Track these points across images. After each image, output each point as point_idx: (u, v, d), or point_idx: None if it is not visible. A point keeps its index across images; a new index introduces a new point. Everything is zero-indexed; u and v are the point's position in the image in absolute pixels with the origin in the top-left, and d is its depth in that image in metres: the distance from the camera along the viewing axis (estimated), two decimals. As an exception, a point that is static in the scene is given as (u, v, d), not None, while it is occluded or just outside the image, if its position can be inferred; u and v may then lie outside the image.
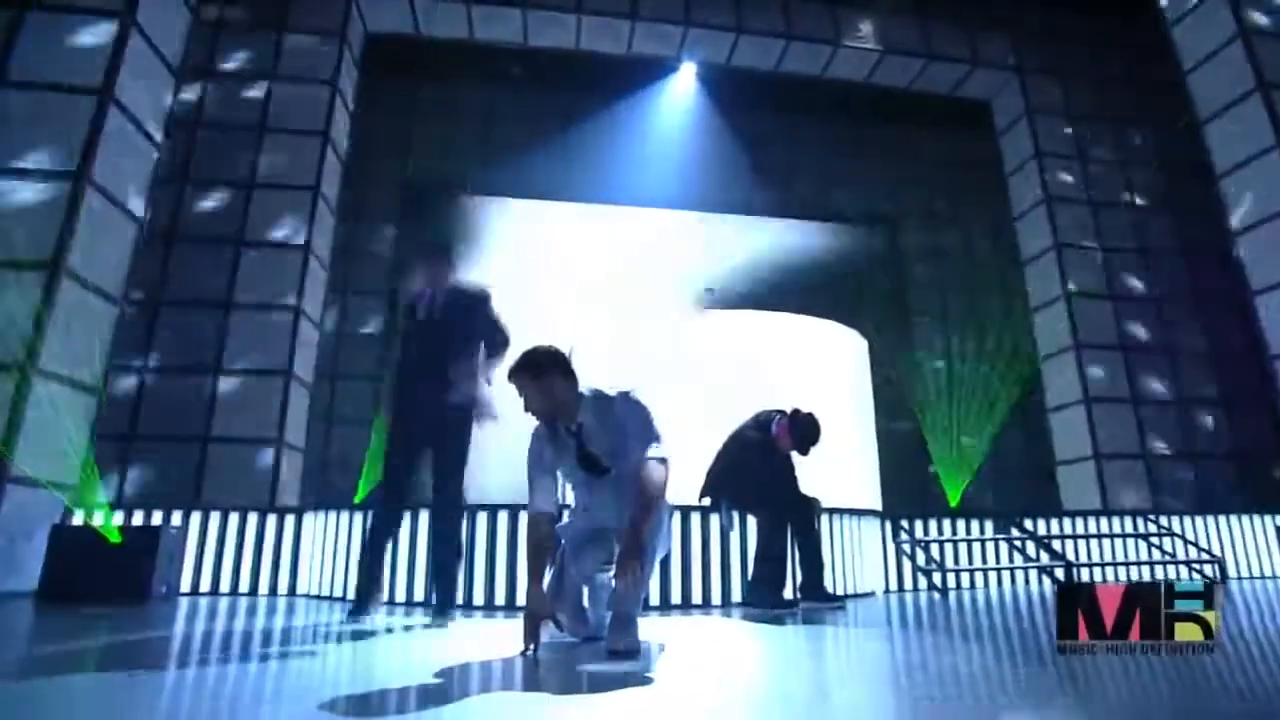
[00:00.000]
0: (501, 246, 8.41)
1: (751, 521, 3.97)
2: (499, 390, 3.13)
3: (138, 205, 5.41)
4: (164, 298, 6.14)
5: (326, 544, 4.49)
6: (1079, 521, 5.86)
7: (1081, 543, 5.66)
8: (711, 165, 8.71)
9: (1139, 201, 8.39)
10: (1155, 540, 5.66)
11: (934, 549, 5.18)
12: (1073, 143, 8.45)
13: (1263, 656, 2.13)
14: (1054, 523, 5.79)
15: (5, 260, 4.65)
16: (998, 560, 5.43)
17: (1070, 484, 7.47)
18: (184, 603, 4.22)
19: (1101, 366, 7.55)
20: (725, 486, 3.90)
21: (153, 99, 5.56)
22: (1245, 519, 6.09)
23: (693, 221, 8.92)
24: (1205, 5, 7.03)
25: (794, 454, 3.90)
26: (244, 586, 4.77)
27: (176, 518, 4.85)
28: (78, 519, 4.60)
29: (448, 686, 1.69)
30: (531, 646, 2.14)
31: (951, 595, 4.63)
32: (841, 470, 5.32)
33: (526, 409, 2.35)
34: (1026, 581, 5.40)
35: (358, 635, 2.70)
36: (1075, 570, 5.12)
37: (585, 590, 2.51)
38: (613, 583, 2.24)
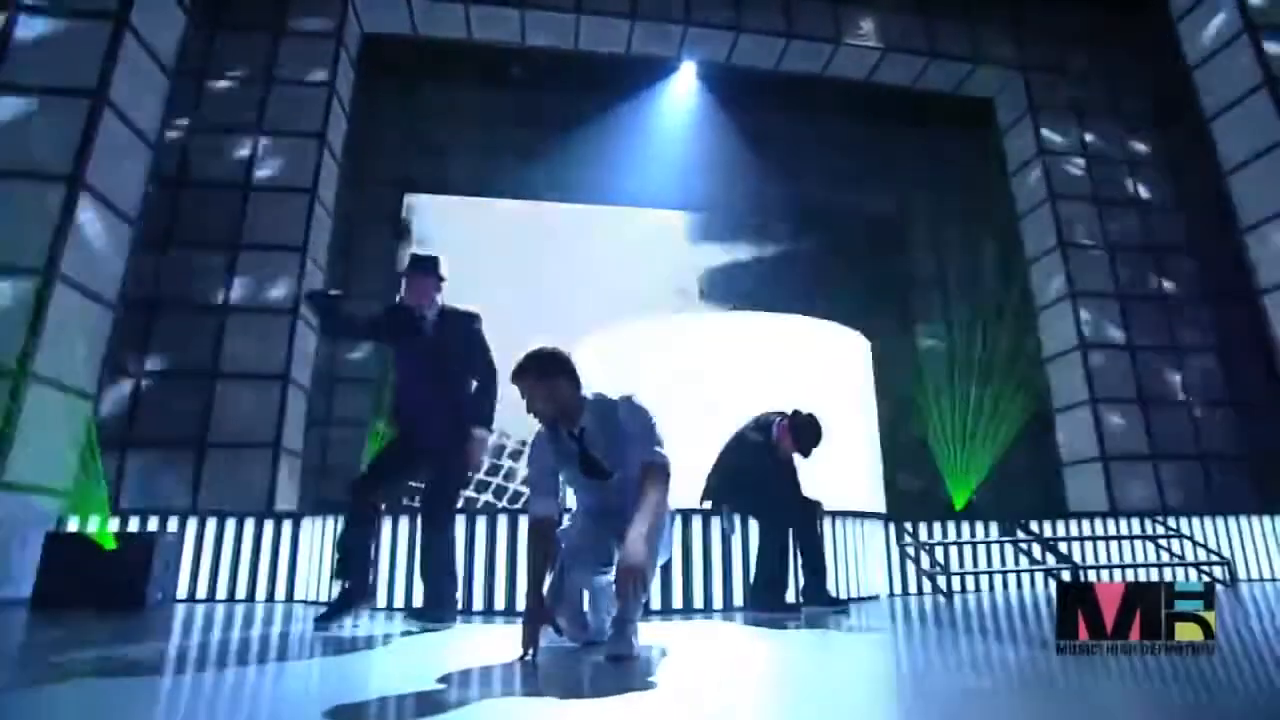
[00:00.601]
0: (501, 248, 8.38)
1: (753, 525, 3.93)
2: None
3: (132, 209, 5.38)
4: (160, 302, 6.10)
5: (324, 550, 4.45)
6: (1086, 523, 5.80)
7: (1089, 545, 5.60)
8: (713, 164, 8.66)
9: (1145, 199, 8.31)
10: (1164, 542, 5.59)
11: (938, 552, 5.12)
12: (1077, 140, 8.38)
13: (1262, 659, 2.07)
14: (1060, 524, 5.73)
15: (2, 265, 4.62)
16: (1003, 563, 5.37)
17: (1077, 485, 7.40)
18: (180, 610, 4.18)
19: (1108, 367, 7.47)
20: (726, 490, 3.87)
21: (147, 101, 5.54)
22: (1255, 520, 6.02)
23: (696, 221, 8.88)
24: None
25: (796, 456, 3.86)
26: (241, 593, 4.73)
27: (173, 524, 4.82)
28: (73, 525, 4.57)
29: (448, 693, 1.68)
30: (530, 651, 2.12)
31: (956, 598, 4.57)
32: (844, 472, 5.27)
33: (530, 410, 2.34)
34: (1033, 584, 5.34)
35: (354, 642, 2.66)
36: (1082, 572, 5.06)
37: (585, 594, 2.49)
38: (613, 587, 2.22)
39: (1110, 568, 5.45)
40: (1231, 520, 6.00)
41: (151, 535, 4.44)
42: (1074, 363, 7.58)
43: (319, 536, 4.56)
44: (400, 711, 1.51)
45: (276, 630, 3.12)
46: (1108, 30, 8.78)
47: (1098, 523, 5.83)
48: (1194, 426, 7.43)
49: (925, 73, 8.57)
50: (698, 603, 3.86)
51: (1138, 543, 5.65)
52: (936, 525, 5.42)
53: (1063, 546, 5.41)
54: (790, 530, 3.68)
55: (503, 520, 3.98)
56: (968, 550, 5.36)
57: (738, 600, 3.86)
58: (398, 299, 3.38)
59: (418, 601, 3.59)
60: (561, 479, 2.45)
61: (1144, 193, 8.34)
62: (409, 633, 2.94)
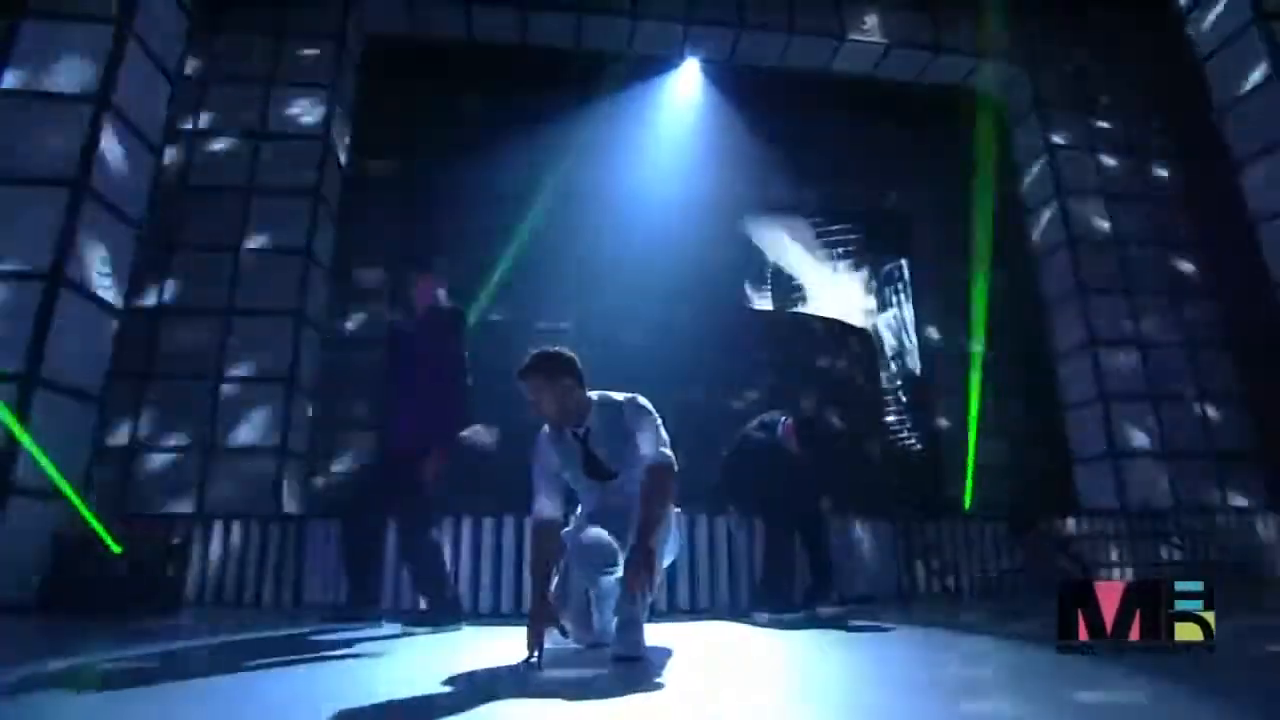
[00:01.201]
0: (505, 249, 8.36)
1: (759, 527, 3.90)
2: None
3: (137, 212, 5.39)
4: (164, 305, 6.12)
5: (330, 553, 4.45)
6: (1097, 521, 5.74)
7: (1101, 542, 5.54)
8: (718, 162, 8.62)
9: (1155, 193, 8.21)
10: (1177, 540, 5.53)
11: (947, 551, 5.08)
12: (1085, 134, 8.29)
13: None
14: (1071, 522, 5.67)
15: (5, 270, 4.63)
16: (1012, 562, 5.32)
17: (1087, 483, 7.32)
18: (187, 613, 4.19)
19: (1119, 363, 7.39)
20: (732, 491, 3.85)
21: (150, 105, 5.54)
22: (1271, 518, 5.94)
23: (700, 220, 8.84)
24: (1221, -11, 6.86)
25: (801, 455, 3.83)
26: (248, 596, 4.74)
27: (180, 527, 4.82)
28: (80, 529, 4.58)
29: (454, 695, 1.68)
30: (536, 653, 2.12)
31: (965, 598, 4.53)
32: (852, 471, 5.24)
33: (535, 411, 2.35)
34: (1068, 582, 5.27)
35: (358, 646, 2.66)
36: (1093, 571, 5.01)
37: (591, 596, 2.48)
38: (619, 588, 2.23)
39: (1122, 566, 5.40)
40: (1246, 516, 5.93)
41: (159, 538, 4.45)
42: (1084, 359, 7.51)
43: (325, 539, 4.56)
44: (406, 715, 1.50)
45: (282, 633, 3.12)
46: (1115, 22, 8.69)
47: (1109, 520, 5.78)
48: (1207, 423, 7.34)
49: (930, 68, 8.49)
50: (704, 604, 3.84)
51: (1150, 540, 5.59)
52: (945, 524, 5.37)
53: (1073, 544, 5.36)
54: (795, 533, 3.65)
55: (509, 522, 3.98)
56: (977, 549, 5.32)
57: (743, 601, 3.84)
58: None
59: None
60: (565, 480, 2.44)
61: (1153, 187, 8.25)
62: (409, 634, 2.94)
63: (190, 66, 6.24)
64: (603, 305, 7.23)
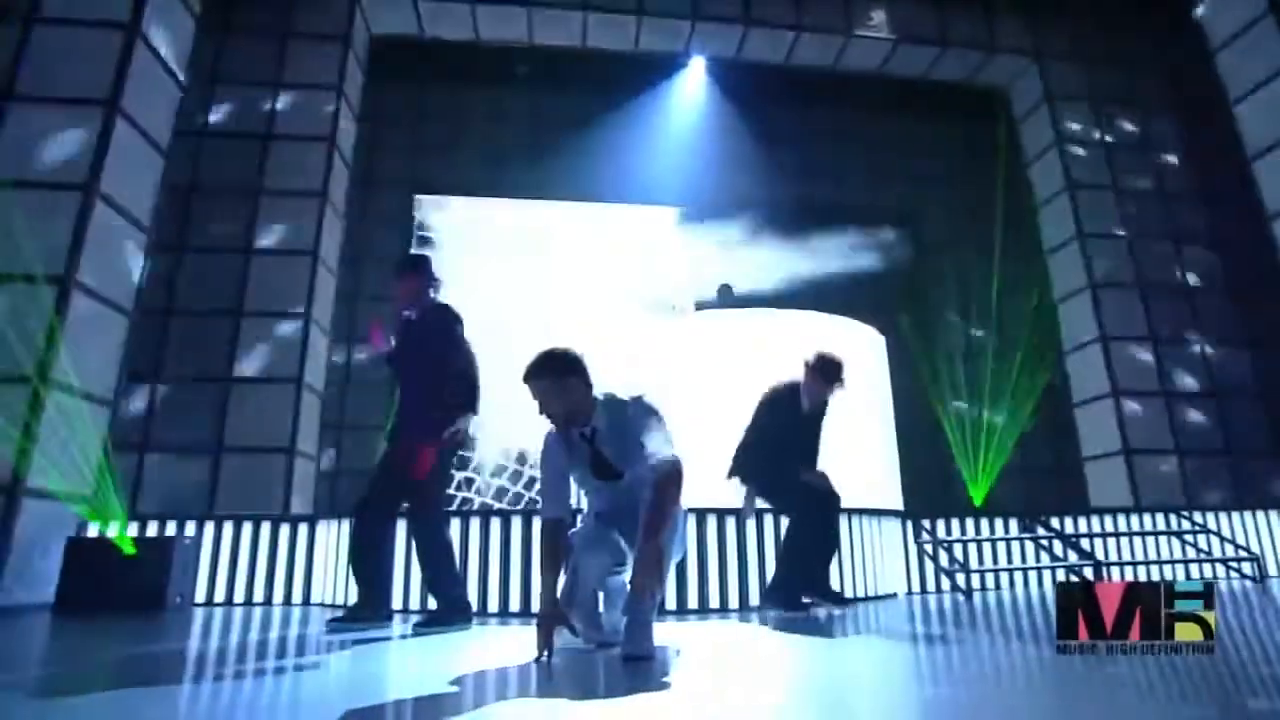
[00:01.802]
0: (510, 249, 8.38)
1: (765, 526, 3.88)
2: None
3: (146, 215, 5.43)
4: (174, 308, 6.16)
5: (340, 553, 4.46)
6: (1108, 519, 5.69)
7: (1111, 541, 5.49)
8: (725, 161, 8.60)
9: (1167, 187, 8.13)
10: (1189, 538, 5.47)
11: (957, 549, 5.04)
12: (1095, 128, 8.22)
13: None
14: (1082, 520, 5.62)
15: (18, 274, 4.67)
16: (1023, 560, 5.28)
17: (1099, 480, 7.26)
18: (199, 613, 4.22)
19: (1130, 358, 7.33)
20: (752, 465, 3.74)
21: (159, 108, 5.58)
22: (1285, 515, 5.87)
23: (707, 218, 8.82)
24: (1233, -19, 6.79)
25: (821, 413, 3.79)
26: (258, 596, 4.76)
27: (190, 528, 4.86)
28: (93, 530, 4.62)
29: (464, 694, 1.68)
30: (545, 653, 2.12)
31: (976, 596, 4.49)
32: (861, 469, 5.21)
33: (542, 411, 2.34)
34: (1054, 582, 5.24)
35: (362, 644, 2.67)
36: (1105, 569, 4.96)
37: (600, 595, 2.49)
38: (627, 586, 2.23)
39: (1134, 564, 5.35)
40: (1260, 515, 5.86)
41: (169, 539, 4.48)
42: (1095, 355, 7.45)
43: (334, 540, 4.57)
44: (416, 714, 1.51)
45: (293, 633, 3.14)
46: (1124, 14, 8.60)
47: (1120, 518, 5.72)
48: (1220, 419, 7.27)
49: (938, 63, 8.44)
50: (714, 602, 3.83)
51: (1162, 538, 5.53)
52: (955, 522, 5.33)
53: (1085, 542, 5.31)
54: (813, 527, 3.60)
55: (516, 521, 3.98)
56: (987, 547, 5.28)
57: (753, 599, 3.82)
58: (403, 313, 3.35)
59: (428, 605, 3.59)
60: (572, 481, 2.44)
61: (1164, 180, 8.17)
62: (420, 634, 2.95)
63: (198, 69, 6.27)
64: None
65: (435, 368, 3.23)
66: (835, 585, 3.86)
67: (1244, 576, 5.25)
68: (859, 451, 5.31)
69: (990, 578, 5.15)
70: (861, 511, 4.46)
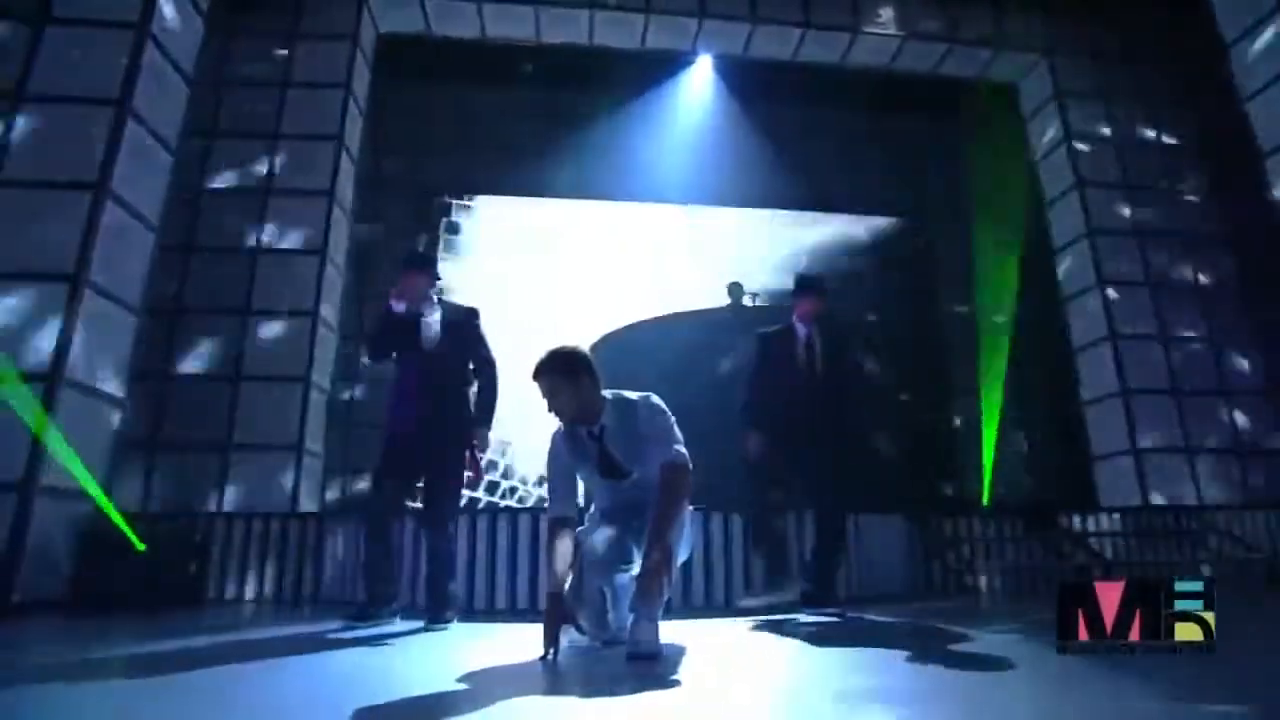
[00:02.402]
0: (517, 247, 8.39)
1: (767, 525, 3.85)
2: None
3: (155, 215, 5.46)
4: (182, 306, 6.20)
5: (347, 550, 4.49)
6: (1117, 518, 5.65)
7: (1121, 540, 5.46)
8: (732, 159, 8.59)
9: (1179, 185, 8.06)
10: (1200, 538, 5.44)
11: (964, 548, 5.03)
12: (1105, 124, 8.15)
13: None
14: (1090, 520, 5.59)
15: (30, 272, 4.72)
16: (1031, 559, 5.26)
17: (1108, 479, 7.22)
18: (208, 609, 4.25)
19: (1140, 357, 7.27)
20: (756, 410, 3.56)
21: (168, 108, 5.61)
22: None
23: (714, 217, 8.82)
24: (1248, -28, 6.69)
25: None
26: (267, 593, 4.80)
27: (199, 525, 4.90)
28: (105, 527, 4.66)
29: (471, 692, 1.69)
30: (551, 651, 2.13)
31: (983, 596, 4.48)
32: (868, 466, 5.20)
33: (551, 409, 2.35)
34: (1068, 581, 5.21)
35: (370, 642, 2.69)
36: (1113, 569, 4.94)
37: (607, 593, 2.49)
38: (634, 585, 2.24)
39: (1144, 564, 5.32)
40: (1272, 515, 5.81)
41: (179, 536, 4.52)
42: (1104, 353, 7.39)
43: (342, 537, 4.61)
44: (422, 712, 1.51)
45: (300, 631, 3.16)
46: (1135, 10, 8.52)
47: (1130, 517, 5.69)
48: (1230, 418, 7.21)
49: (946, 59, 8.39)
50: (719, 600, 3.83)
51: (1173, 538, 5.50)
52: (962, 521, 5.32)
53: (1093, 542, 5.28)
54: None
55: (524, 519, 4.00)
56: (994, 547, 5.26)
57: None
58: (391, 304, 3.29)
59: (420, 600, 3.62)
60: (580, 479, 2.45)
61: (1175, 177, 8.09)
62: (431, 630, 2.97)
63: (206, 68, 6.30)
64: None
65: (465, 373, 3.29)
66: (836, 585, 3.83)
67: (1255, 577, 5.22)
68: (866, 448, 5.30)
69: (998, 577, 5.13)
70: (868, 510, 4.46)
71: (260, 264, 6.38)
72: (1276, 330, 7.29)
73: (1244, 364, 7.42)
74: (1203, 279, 7.71)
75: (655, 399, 2.38)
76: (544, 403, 2.37)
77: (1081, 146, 7.99)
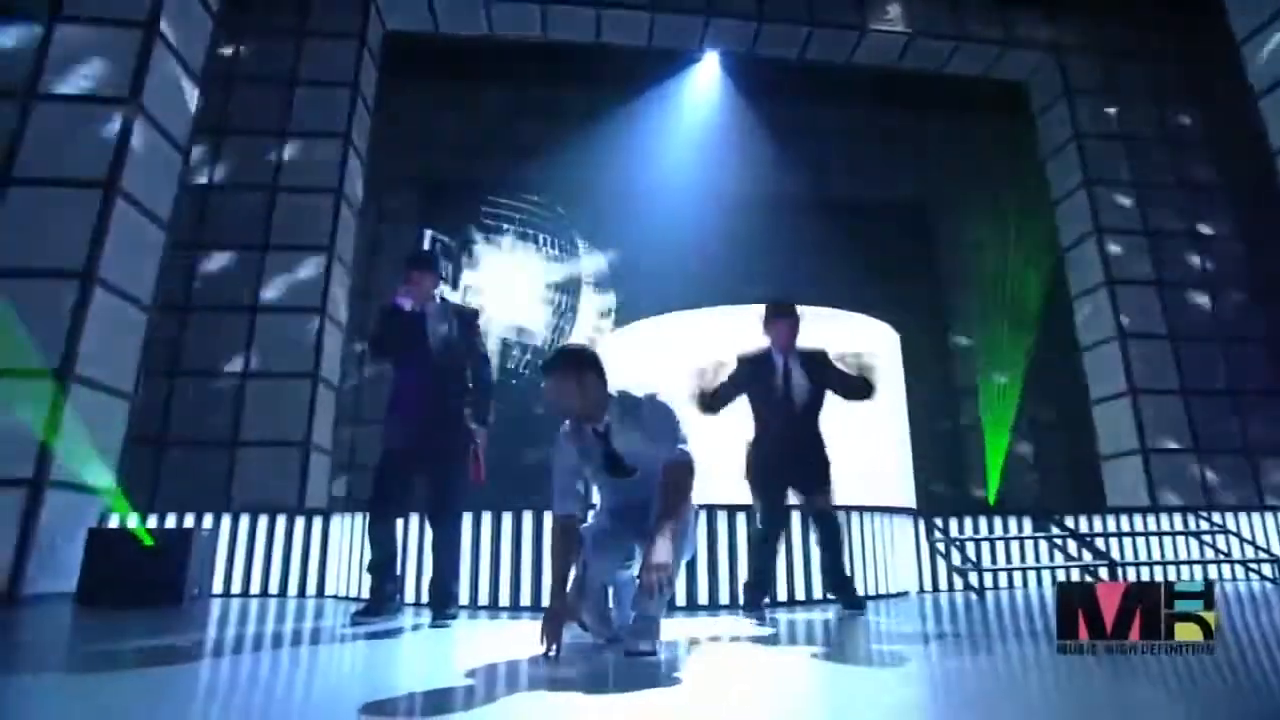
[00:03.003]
0: (523, 245, 8.40)
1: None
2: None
3: (164, 212, 5.50)
4: (191, 303, 6.25)
5: (354, 545, 4.52)
6: (1124, 518, 5.62)
7: (1128, 541, 5.43)
8: (738, 156, 8.57)
9: (1188, 182, 7.99)
10: (1208, 538, 5.40)
11: (970, 548, 5.01)
12: (1115, 122, 8.09)
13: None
14: (1098, 520, 5.56)
15: (41, 269, 4.76)
16: (1037, 559, 5.24)
17: (1115, 479, 7.18)
18: (215, 604, 4.28)
19: (1148, 356, 7.22)
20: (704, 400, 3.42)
21: (177, 106, 5.65)
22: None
23: (720, 214, 8.79)
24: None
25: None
26: (274, 588, 4.83)
27: (208, 520, 4.94)
28: (114, 522, 4.71)
29: (471, 689, 1.70)
30: (554, 648, 2.14)
31: (989, 595, 4.47)
32: (874, 466, 5.19)
33: (557, 407, 2.36)
34: (1068, 581, 5.19)
35: (377, 637, 2.71)
36: (1121, 569, 4.91)
37: (609, 592, 2.51)
38: (637, 583, 2.23)
39: (1151, 564, 5.28)
40: (1281, 515, 5.76)
41: (188, 532, 4.55)
42: (1112, 352, 7.35)
43: (348, 533, 4.63)
44: (425, 709, 1.52)
45: (307, 626, 3.18)
46: (1145, 6, 8.45)
47: (1137, 517, 5.65)
48: (1240, 418, 7.16)
49: (954, 57, 8.35)
50: (723, 598, 3.83)
51: (1180, 538, 5.46)
52: (968, 520, 5.30)
53: (1100, 542, 5.25)
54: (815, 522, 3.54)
55: (527, 516, 4.00)
56: (1000, 546, 5.24)
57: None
58: (398, 301, 3.27)
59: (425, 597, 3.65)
60: (585, 476, 2.46)
61: (1186, 175, 8.03)
62: (439, 626, 2.99)
63: (215, 68, 6.34)
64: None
65: (467, 372, 3.32)
66: (838, 585, 3.82)
67: (1264, 578, 5.18)
68: (872, 448, 5.28)
69: (1003, 577, 5.11)
70: (873, 509, 4.45)
71: (268, 261, 6.42)
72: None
73: (1253, 361, 7.36)
74: (1212, 276, 7.65)
75: (661, 397, 2.36)
76: (550, 402, 2.38)
77: (1090, 143, 7.94)
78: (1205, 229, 7.81)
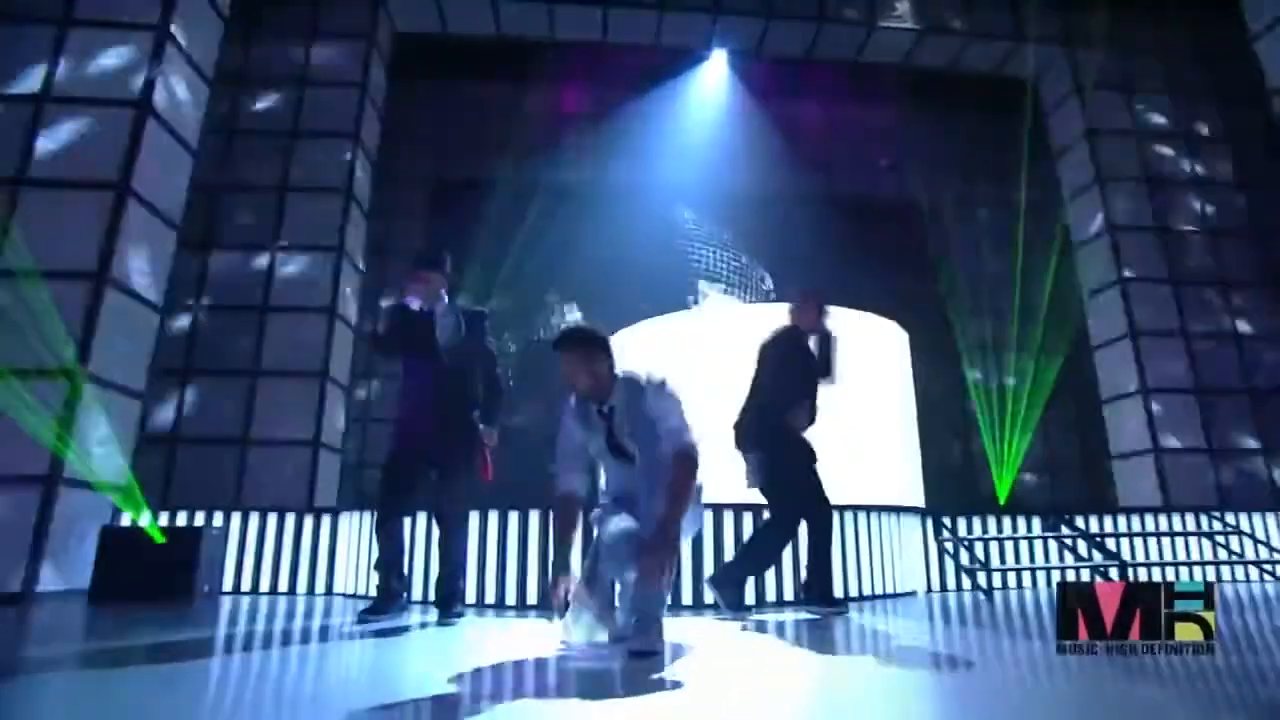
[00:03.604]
0: (531, 243, 8.41)
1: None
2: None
3: (176, 213, 5.55)
4: (202, 303, 6.30)
5: (363, 544, 4.54)
6: (1136, 519, 5.57)
7: (1139, 541, 5.37)
8: (746, 154, 8.55)
9: (1202, 180, 7.90)
10: (1221, 539, 5.34)
11: (978, 547, 4.97)
12: (1126, 119, 8.01)
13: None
14: (1109, 520, 5.51)
15: (54, 270, 4.81)
16: (1047, 559, 5.19)
17: (1127, 479, 7.11)
18: (225, 602, 4.32)
19: (1162, 355, 7.15)
20: (752, 431, 3.52)
21: (188, 108, 5.70)
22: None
23: (725, 213, 8.77)
24: (1272, -36, 6.55)
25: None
26: (283, 586, 4.87)
27: (218, 518, 4.98)
28: (126, 520, 4.76)
29: (478, 690, 1.71)
30: (559, 615, 2.27)
31: (997, 596, 4.43)
32: (882, 465, 5.16)
33: (567, 381, 2.42)
34: (1068, 581, 5.14)
35: (383, 635, 2.72)
36: (1132, 570, 4.86)
37: (617, 589, 2.50)
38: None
39: (1163, 565, 5.23)
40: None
41: (198, 530, 4.59)
42: (1124, 351, 7.28)
43: (357, 531, 4.66)
44: (429, 709, 1.52)
45: (315, 623, 3.20)
46: (1158, 1, 8.35)
47: (1149, 518, 5.60)
48: (1254, 418, 7.07)
49: (963, 54, 8.28)
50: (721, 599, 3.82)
51: (1192, 540, 5.40)
52: (977, 520, 5.26)
53: (1111, 543, 5.20)
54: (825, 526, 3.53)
55: (534, 515, 4.01)
56: (1009, 546, 5.20)
57: (770, 596, 3.81)
58: (407, 300, 3.28)
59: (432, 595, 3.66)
60: (589, 454, 2.50)
61: (1200, 173, 7.93)
62: (446, 624, 3.01)
63: (225, 68, 6.39)
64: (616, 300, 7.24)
65: (474, 372, 3.33)
66: (839, 583, 3.79)
67: (1278, 579, 5.12)
68: (880, 447, 5.26)
69: (1012, 577, 5.07)
70: (881, 508, 4.43)
71: (278, 261, 6.47)
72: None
73: (1268, 361, 7.27)
74: (1227, 274, 7.56)
75: (668, 385, 2.36)
76: (562, 371, 2.41)
77: (1101, 141, 7.86)
78: (1219, 225, 7.72)
